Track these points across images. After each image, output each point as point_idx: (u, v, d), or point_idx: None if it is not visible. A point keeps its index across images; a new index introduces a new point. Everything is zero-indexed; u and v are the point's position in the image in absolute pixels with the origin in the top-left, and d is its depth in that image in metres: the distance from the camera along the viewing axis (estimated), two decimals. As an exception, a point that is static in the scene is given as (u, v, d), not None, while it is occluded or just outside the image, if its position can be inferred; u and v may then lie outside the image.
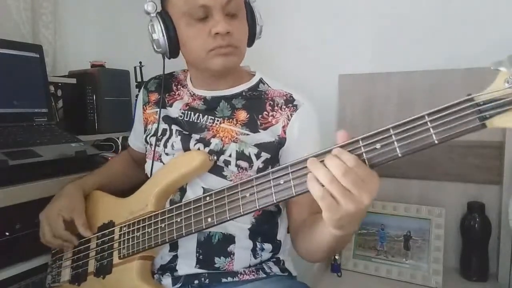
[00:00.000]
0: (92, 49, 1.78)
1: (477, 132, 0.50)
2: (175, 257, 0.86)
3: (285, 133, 0.84)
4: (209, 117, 0.88)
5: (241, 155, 0.83)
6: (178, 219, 0.76)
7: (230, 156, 0.83)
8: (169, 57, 0.87)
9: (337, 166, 0.54)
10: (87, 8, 1.81)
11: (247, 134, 0.84)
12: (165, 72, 0.94)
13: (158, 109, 0.94)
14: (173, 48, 0.84)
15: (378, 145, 0.55)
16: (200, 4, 0.78)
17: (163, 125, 0.92)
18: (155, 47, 0.85)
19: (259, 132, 0.84)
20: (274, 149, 0.84)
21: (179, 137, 0.88)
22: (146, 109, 0.99)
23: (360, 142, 0.56)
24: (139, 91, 1.06)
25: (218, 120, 0.87)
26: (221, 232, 0.84)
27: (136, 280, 0.80)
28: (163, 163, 0.90)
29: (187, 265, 0.85)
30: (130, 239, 0.82)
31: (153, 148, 0.91)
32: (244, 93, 0.89)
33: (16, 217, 0.98)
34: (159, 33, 0.83)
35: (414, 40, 1.41)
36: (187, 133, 0.88)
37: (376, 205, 1.37)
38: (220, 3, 0.78)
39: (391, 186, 1.39)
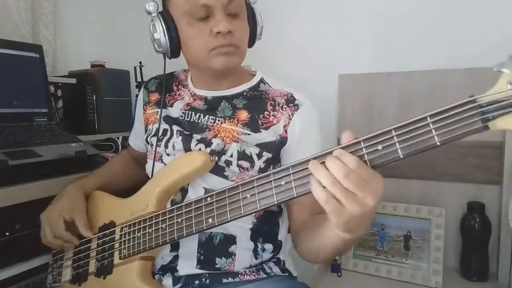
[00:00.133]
0: (92, 49, 1.78)
1: (478, 132, 0.50)
2: (176, 258, 0.86)
3: (286, 132, 0.84)
4: (210, 117, 0.88)
5: (242, 155, 0.83)
6: (179, 220, 0.75)
7: (231, 156, 0.83)
8: (170, 57, 0.87)
9: (338, 168, 0.54)
10: (87, 8, 1.81)
11: (249, 134, 0.84)
12: (166, 72, 0.94)
13: (158, 109, 0.94)
14: (174, 47, 0.84)
15: (379, 146, 0.55)
16: (202, 3, 0.78)
17: (164, 125, 0.92)
18: (156, 46, 0.85)
19: (261, 131, 0.84)
20: (275, 148, 0.84)
21: (180, 137, 0.88)
22: (147, 109, 0.99)
23: (362, 143, 0.56)
24: (139, 91, 1.06)
25: (219, 120, 0.87)
26: (223, 233, 0.84)
27: (136, 281, 0.80)
28: (164, 164, 0.90)
29: (187, 266, 0.85)
30: (131, 240, 0.82)
31: (154, 149, 0.91)
32: (245, 93, 0.89)
33: (16, 217, 0.98)
34: (160, 33, 0.83)
35: (414, 40, 1.41)
36: (188, 133, 0.88)
37: (376, 205, 1.37)
38: (221, 2, 0.78)
39: (391, 186, 1.39)
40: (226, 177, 0.83)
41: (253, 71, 0.94)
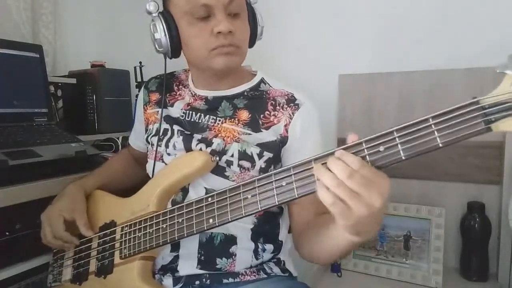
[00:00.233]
0: (92, 49, 1.79)
1: (479, 133, 0.50)
2: (176, 258, 0.86)
3: (287, 131, 0.84)
4: (211, 117, 0.88)
5: (243, 155, 0.83)
6: (180, 220, 0.75)
7: (232, 156, 0.83)
8: (171, 57, 0.87)
9: (342, 169, 0.53)
10: (87, 8, 1.81)
11: (249, 134, 0.84)
12: (166, 72, 0.93)
13: (159, 109, 0.93)
14: (175, 47, 0.84)
15: (381, 148, 0.55)
16: (202, 3, 0.78)
17: (165, 125, 0.91)
18: (157, 46, 0.85)
19: (261, 131, 0.84)
20: (276, 148, 0.84)
21: (181, 137, 0.88)
22: (147, 109, 0.99)
23: (364, 144, 0.56)
24: (139, 91, 1.06)
25: (219, 120, 0.87)
26: (223, 233, 0.84)
27: (137, 280, 0.80)
28: (165, 163, 0.90)
29: (188, 266, 0.85)
30: (132, 239, 0.82)
31: (154, 148, 0.91)
32: (245, 93, 0.89)
33: (16, 217, 0.98)
34: (161, 33, 0.83)
35: (414, 40, 1.41)
36: (189, 133, 0.88)
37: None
38: (222, 2, 0.78)
39: (391, 186, 1.39)
40: (227, 177, 0.83)
41: (254, 71, 0.94)
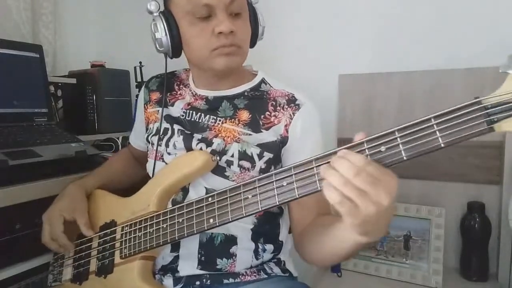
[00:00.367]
0: (92, 49, 1.79)
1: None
2: (177, 258, 0.86)
3: (287, 131, 0.84)
4: (211, 117, 0.88)
5: (243, 155, 0.83)
6: (180, 220, 0.75)
7: (232, 156, 0.83)
8: (172, 57, 0.87)
9: (348, 167, 0.52)
10: (87, 8, 1.81)
11: (250, 134, 0.84)
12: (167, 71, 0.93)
13: (159, 108, 0.93)
14: (176, 47, 0.84)
15: (383, 148, 0.54)
16: (204, 3, 0.77)
17: (165, 124, 0.91)
18: (157, 46, 0.85)
19: (262, 132, 0.84)
20: (276, 148, 0.84)
21: (181, 136, 0.88)
22: (147, 108, 0.99)
23: (365, 144, 0.55)
24: (139, 91, 1.06)
25: (220, 120, 0.87)
26: (224, 234, 0.84)
27: (137, 280, 0.80)
28: (165, 163, 0.90)
29: (188, 266, 0.85)
30: (132, 239, 0.82)
31: (155, 148, 0.91)
32: (246, 93, 0.89)
33: (16, 217, 0.98)
34: (162, 32, 0.83)
35: (414, 40, 1.41)
36: (189, 132, 0.88)
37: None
38: (223, 2, 0.78)
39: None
40: (227, 177, 0.83)
41: (255, 71, 0.94)
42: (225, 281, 0.85)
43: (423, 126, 0.52)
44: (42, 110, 1.29)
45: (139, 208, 0.84)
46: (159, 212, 0.80)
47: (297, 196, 0.60)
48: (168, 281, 0.85)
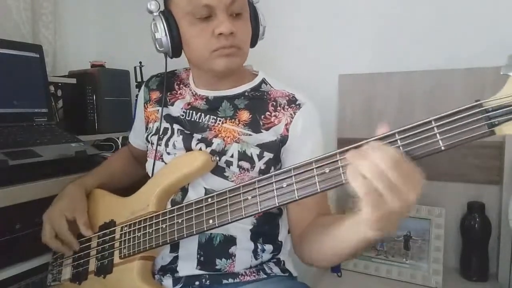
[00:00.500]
0: (92, 49, 1.79)
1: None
2: (176, 258, 0.86)
3: (287, 130, 0.83)
4: (211, 117, 0.88)
5: (243, 156, 0.83)
6: (179, 220, 0.75)
7: (232, 156, 0.83)
8: (172, 57, 0.87)
9: (386, 158, 0.49)
10: (87, 8, 1.81)
11: (250, 135, 0.84)
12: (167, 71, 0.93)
13: (159, 108, 0.93)
14: (176, 47, 0.84)
15: None
16: (204, 3, 0.77)
17: (165, 124, 0.91)
18: (157, 46, 0.85)
19: (262, 132, 0.84)
20: (276, 148, 0.84)
21: (181, 136, 0.88)
22: (147, 107, 0.98)
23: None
24: (139, 91, 1.06)
25: (220, 120, 0.87)
26: (223, 234, 0.84)
27: (136, 280, 0.80)
28: (165, 163, 0.90)
29: (188, 266, 0.85)
30: (131, 239, 0.82)
31: (154, 147, 0.91)
32: (246, 93, 0.89)
33: (16, 217, 0.98)
34: (162, 32, 0.82)
35: (414, 40, 1.41)
36: (189, 132, 0.88)
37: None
38: (224, 3, 0.78)
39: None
40: (226, 178, 0.83)
41: (255, 71, 0.94)
42: (225, 281, 0.85)
43: (423, 129, 0.52)
44: (42, 110, 1.28)
45: (138, 208, 0.84)
46: (159, 213, 0.80)
47: (297, 198, 0.60)
48: (168, 281, 0.85)
